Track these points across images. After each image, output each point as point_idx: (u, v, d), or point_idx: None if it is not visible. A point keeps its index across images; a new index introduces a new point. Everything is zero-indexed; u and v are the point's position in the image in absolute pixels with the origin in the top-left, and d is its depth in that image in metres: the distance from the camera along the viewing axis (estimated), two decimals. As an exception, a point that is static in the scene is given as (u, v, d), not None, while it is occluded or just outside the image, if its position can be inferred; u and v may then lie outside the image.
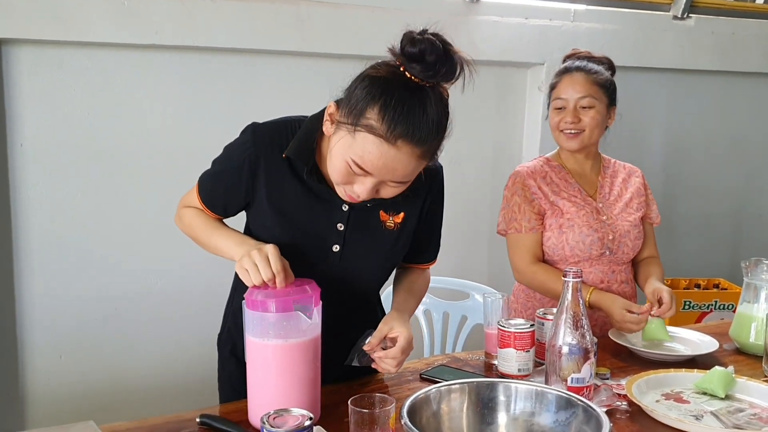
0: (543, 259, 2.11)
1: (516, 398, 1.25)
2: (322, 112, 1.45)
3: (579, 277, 1.39)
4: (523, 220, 2.08)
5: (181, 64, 2.71)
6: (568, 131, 2.08)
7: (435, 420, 1.22)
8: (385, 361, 1.46)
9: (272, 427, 1.10)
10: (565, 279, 1.40)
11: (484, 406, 1.25)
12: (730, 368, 1.61)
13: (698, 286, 3.45)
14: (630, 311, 1.90)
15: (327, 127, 1.41)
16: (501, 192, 2.20)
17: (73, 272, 2.64)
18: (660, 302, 1.93)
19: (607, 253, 2.08)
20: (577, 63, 2.13)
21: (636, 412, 1.48)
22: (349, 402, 1.23)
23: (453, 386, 1.26)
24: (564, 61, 2.21)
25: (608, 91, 2.11)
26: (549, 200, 2.09)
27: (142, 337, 2.75)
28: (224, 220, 1.63)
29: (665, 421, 1.42)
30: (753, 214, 4.00)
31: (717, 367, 1.60)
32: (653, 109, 3.68)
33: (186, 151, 2.74)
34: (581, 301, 1.39)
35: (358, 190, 1.37)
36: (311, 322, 1.34)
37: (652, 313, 1.91)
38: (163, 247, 2.73)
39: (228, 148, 1.55)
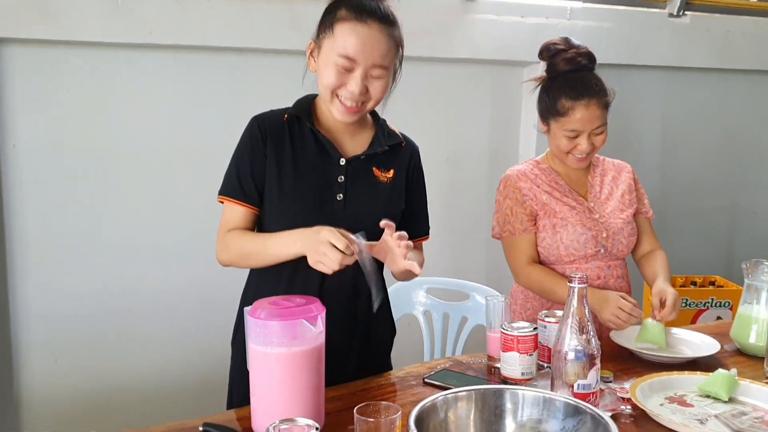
0: (539, 260, 2.12)
1: (523, 405, 1.25)
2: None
3: (584, 283, 1.38)
4: (516, 222, 2.10)
5: (176, 64, 2.70)
6: (580, 156, 2.08)
7: (442, 428, 1.21)
8: (396, 250, 1.50)
9: (278, 437, 1.09)
10: (571, 285, 1.39)
11: (491, 413, 1.25)
12: (733, 371, 1.61)
13: (694, 283, 3.46)
14: (621, 309, 1.91)
15: (312, 64, 1.67)
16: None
17: (67, 274, 2.62)
18: (663, 305, 1.93)
19: (602, 251, 2.09)
20: (584, 81, 2.03)
21: (640, 416, 1.47)
22: (354, 411, 1.22)
23: (459, 394, 1.25)
24: (549, 62, 2.11)
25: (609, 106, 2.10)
26: (541, 201, 2.10)
27: (139, 339, 2.73)
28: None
29: (670, 425, 1.41)
30: (747, 210, 4.01)
31: (720, 370, 1.60)
32: (649, 106, 3.69)
33: (181, 151, 2.72)
34: (587, 307, 1.38)
35: (351, 87, 1.58)
36: (315, 330, 1.33)
37: (654, 316, 1.92)
38: (158, 246, 2.72)
39: (238, 143, 1.72)
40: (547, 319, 1.72)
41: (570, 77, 2.06)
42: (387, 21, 1.61)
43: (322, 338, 1.35)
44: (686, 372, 1.68)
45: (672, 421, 1.42)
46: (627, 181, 2.19)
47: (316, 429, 1.14)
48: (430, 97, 3.16)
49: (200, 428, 1.36)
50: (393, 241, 1.50)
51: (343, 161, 1.68)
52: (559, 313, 1.74)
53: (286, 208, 1.65)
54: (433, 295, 2.40)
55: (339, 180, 1.67)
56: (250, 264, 1.69)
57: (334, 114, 1.64)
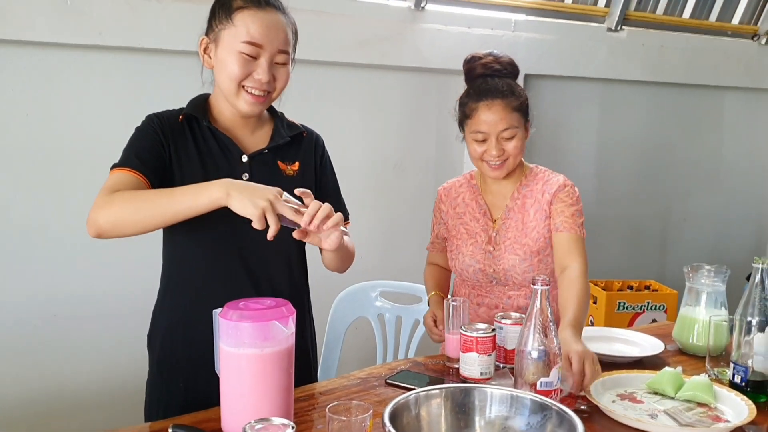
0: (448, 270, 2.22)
1: (491, 403, 1.29)
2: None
3: (547, 285, 1.44)
4: (432, 237, 2.24)
5: (126, 66, 2.66)
6: (493, 162, 1.96)
7: (415, 425, 1.24)
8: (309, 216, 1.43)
9: (256, 436, 1.11)
10: (534, 286, 1.44)
11: (460, 410, 1.29)
12: (679, 369, 1.69)
13: (631, 287, 3.59)
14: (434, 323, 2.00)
15: (207, 61, 1.65)
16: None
17: (8, 276, 2.55)
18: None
19: (494, 282, 2.05)
20: (491, 84, 1.95)
21: (595, 412, 1.54)
22: (327, 409, 1.24)
23: (431, 392, 1.29)
24: (466, 68, 2.04)
25: (525, 113, 1.98)
26: (449, 226, 2.14)
27: (80, 346, 2.68)
28: None
29: (624, 420, 1.49)
30: (678, 217, 4.19)
31: (667, 368, 1.68)
32: (586, 117, 3.82)
33: (129, 154, 2.68)
34: (549, 309, 1.44)
35: (259, 75, 1.57)
36: (287, 332, 1.34)
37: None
38: (103, 250, 2.65)
39: (135, 131, 1.66)
40: (503, 321, 1.78)
41: (479, 81, 1.99)
42: (281, 8, 1.63)
43: (292, 339, 1.37)
44: (635, 370, 1.76)
45: (626, 416, 1.49)
46: (542, 207, 2.00)
47: (292, 428, 1.16)
48: (379, 103, 3.19)
49: (169, 429, 1.36)
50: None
51: (245, 158, 1.65)
52: (514, 314, 1.81)
53: None
54: (386, 298, 2.44)
55: (244, 177, 1.63)
56: (140, 216, 1.47)
57: (240, 107, 1.61)
